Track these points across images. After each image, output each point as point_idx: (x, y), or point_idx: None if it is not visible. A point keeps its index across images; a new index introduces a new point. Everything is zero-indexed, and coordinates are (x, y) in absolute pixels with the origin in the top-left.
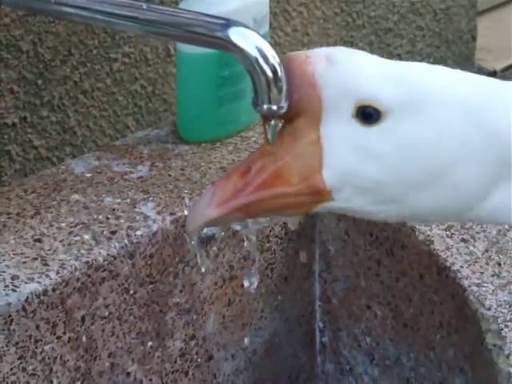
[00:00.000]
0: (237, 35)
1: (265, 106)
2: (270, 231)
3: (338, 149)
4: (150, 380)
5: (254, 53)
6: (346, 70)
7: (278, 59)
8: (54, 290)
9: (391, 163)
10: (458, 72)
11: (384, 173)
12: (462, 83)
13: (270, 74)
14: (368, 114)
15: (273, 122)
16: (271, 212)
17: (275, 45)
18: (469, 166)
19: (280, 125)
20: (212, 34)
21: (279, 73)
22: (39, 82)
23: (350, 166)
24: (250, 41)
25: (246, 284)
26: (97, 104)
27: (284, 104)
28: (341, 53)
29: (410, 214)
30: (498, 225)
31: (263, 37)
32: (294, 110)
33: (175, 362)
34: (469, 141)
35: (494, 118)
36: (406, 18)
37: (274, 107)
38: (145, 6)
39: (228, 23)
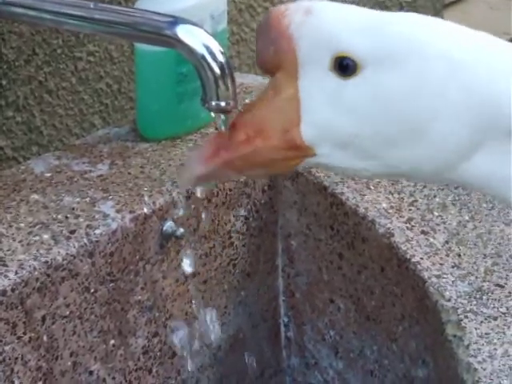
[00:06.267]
0: (184, 33)
1: (213, 103)
2: (232, 227)
3: (314, 102)
4: (113, 378)
5: (200, 50)
6: (324, 21)
7: (225, 56)
8: (13, 290)
9: (366, 116)
10: (456, 27)
11: (359, 126)
12: (455, 38)
13: (217, 70)
14: (345, 66)
15: (223, 117)
16: (258, 167)
17: (241, 41)
18: (446, 123)
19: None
20: (160, 32)
21: (226, 69)
22: (3, 82)
23: (326, 119)
24: (196, 38)
25: None
26: (62, 103)
27: (232, 100)
28: (322, 4)
29: (391, 172)
30: (486, 194)
31: (221, 33)
32: (273, 64)
33: (138, 359)
34: (448, 97)
35: (488, 79)
36: None
37: (223, 103)
38: (92, 5)
39: (175, 21)
